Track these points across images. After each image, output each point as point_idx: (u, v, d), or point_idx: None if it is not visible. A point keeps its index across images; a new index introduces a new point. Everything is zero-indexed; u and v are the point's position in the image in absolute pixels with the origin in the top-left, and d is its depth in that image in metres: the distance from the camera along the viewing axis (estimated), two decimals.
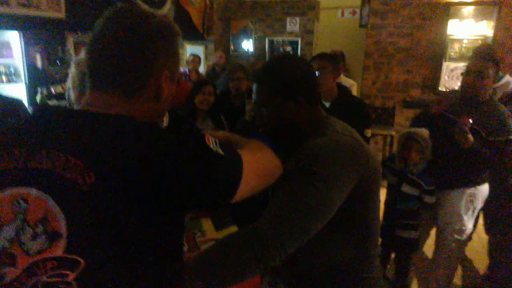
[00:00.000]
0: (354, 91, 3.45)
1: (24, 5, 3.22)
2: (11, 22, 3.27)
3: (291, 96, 1.04)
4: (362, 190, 1.01)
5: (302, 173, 0.94)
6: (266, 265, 0.86)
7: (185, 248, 1.42)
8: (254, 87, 1.10)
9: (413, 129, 2.30)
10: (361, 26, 5.44)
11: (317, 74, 2.21)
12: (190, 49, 5.76)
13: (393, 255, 2.59)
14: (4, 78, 3.90)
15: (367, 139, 2.30)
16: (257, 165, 0.84)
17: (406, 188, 2.29)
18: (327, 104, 2.39)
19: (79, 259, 0.60)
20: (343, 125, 1.10)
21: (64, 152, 0.63)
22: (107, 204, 0.61)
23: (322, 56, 2.41)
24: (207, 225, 1.62)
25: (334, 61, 2.37)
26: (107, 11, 0.73)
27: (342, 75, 3.51)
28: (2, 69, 3.92)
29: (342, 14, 7.04)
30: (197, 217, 1.65)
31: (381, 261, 2.60)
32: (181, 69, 5.01)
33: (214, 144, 0.73)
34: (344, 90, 2.45)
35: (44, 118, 0.70)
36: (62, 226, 0.61)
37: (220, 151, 0.73)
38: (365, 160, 1.01)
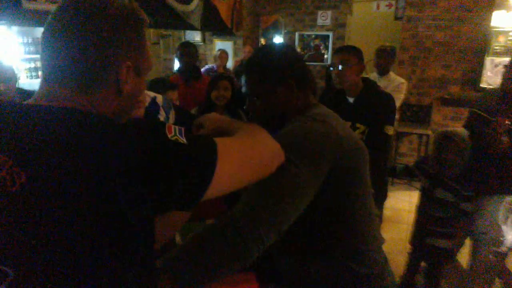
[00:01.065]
0: (403, 90, 3.23)
1: (52, 2, 3.28)
2: (43, 18, 3.33)
3: (279, 80, 1.03)
4: (339, 178, 0.96)
5: None
6: (244, 257, 0.80)
7: None
8: (243, 79, 1.07)
9: (450, 128, 2.12)
10: (396, 18, 5.16)
11: (340, 68, 2.13)
12: (218, 45, 5.72)
13: (423, 263, 2.42)
14: (40, 73, 4.04)
15: (387, 137, 2.16)
16: (245, 153, 0.75)
17: (440, 193, 2.12)
18: (351, 100, 2.25)
19: (7, 270, 0.53)
20: (321, 110, 1.06)
21: None
22: (39, 208, 0.54)
23: (345, 49, 2.30)
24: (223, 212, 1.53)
25: (359, 54, 2.24)
26: None
27: (391, 72, 3.32)
28: (38, 65, 4.07)
29: (378, 7, 6.75)
30: (201, 218, 1.57)
31: (409, 268, 2.45)
32: (209, 65, 4.98)
33: (176, 133, 0.64)
34: (370, 85, 2.30)
35: None
36: None
37: (182, 140, 0.63)
38: (339, 147, 0.96)
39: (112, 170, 0.55)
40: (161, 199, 0.62)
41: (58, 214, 0.54)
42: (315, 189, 0.92)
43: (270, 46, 1.13)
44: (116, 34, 0.65)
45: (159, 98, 1.36)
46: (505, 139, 1.76)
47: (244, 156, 0.74)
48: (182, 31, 5.84)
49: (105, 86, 0.66)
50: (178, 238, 1.42)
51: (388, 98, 2.30)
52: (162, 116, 1.36)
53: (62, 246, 0.54)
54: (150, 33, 6.12)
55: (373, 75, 3.36)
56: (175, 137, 0.63)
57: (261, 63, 1.05)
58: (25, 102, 0.65)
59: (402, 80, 3.28)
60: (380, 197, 3.51)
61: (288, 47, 1.14)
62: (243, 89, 1.08)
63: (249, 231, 0.80)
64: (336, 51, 2.30)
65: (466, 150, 2.02)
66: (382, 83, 3.25)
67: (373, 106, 2.17)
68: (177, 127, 0.66)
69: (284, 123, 1.07)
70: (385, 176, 3.45)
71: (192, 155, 0.64)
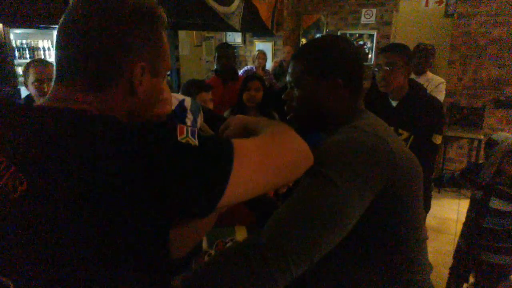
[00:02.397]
0: (443, 90, 3.03)
1: None
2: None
3: (326, 76, 0.93)
4: (390, 201, 0.82)
5: (310, 176, 0.77)
6: (265, 286, 0.70)
7: None
8: (290, 65, 0.99)
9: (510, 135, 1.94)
10: (446, 15, 4.86)
11: (386, 70, 1.98)
12: (259, 46, 5.69)
13: (472, 279, 2.24)
14: None
15: (435, 146, 2.00)
16: (266, 154, 0.67)
17: (496, 203, 1.94)
18: (394, 103, 2.11)
19: (7, 281, 0.51)
20: (372, 120, 0.93)
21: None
22: (41, 215, 0.51)
23: (392, 48, 2.10)
24: (241, 234, 1.48)
25: (407, 54, 2.07)
26: None
27: (428, 72, 3.12)
28: None
29: (427, 3, 6.40)
30: (231, 224, 1.53)
31: (451, 285, 2.27)
32: (248, 66, 4.97)
33: (188, 134, 0.58)
34: (417, 88, 2.13)
35: None
36: None
37: (194, 142, 0.58)
38: (391, 163, 0.81)
39: (117, 177, 0.52)
40: (170, 207, 0.57)
41: (60, 222, 0.51)
42: (360, 213, 0.79)
43: (325, 37, 1.01)
44: (129, 33, 0.62)
45: (188, 101, 1.34)
46: None
47: (265, 158, 0.66)
48: (224, 33, 5.88)
49: (117, 86, 0.63)
50: (205, 244, 1.39)
51: (437, 103, 2.13)
52: (189, 120, 1.33)
53: (65, 256, 0.52)
54: (194, 36, 6.25)
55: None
56: (186, 138, 0.58)
57: (310, 53, 0.97)
58: (35, 104, 0.63)
59: (442, 80, 3.06)
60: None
61: (345, 41, 1.01)
62: (287, 78, 1.00)
63: (276, 260, 0.69)
64: (381, 50, 2.12)
65: None
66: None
67: (420, 111, 2.00)
68: (190, 128, 0.61)
69: (323, 125, 0.98)
70: (429, 188, 3.25)
71: (204, 158, 0.59)
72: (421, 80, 3.07)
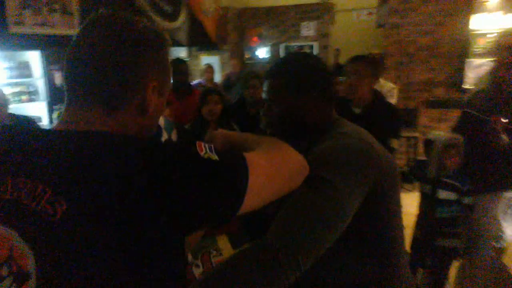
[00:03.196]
0: (395, 95, 3.28)
1: (39, 24, 3.26)
2: (30, 42, 3.32)
3: (303, 90, 0.99)
4: (377, 196, 0.92)
5: (310, 180, 0.84)
6: (280, 284, 0.76)
7: (200, 269, 1.33)
8: (266, 83, 1.04)
9: (447, 134, 2.17)
10: (378, 26, 5.29)
11: (354, 77, 2.09)
12: (205, 60, 5.75)
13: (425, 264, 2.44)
14: (24, 97, 3.97)
15: (391, 150, 2.13)
16: (272, 166, 0.73)
17: (443, 194, 2.15)
18: (357, 111, 2.23)
19: None
20: (353, 127, 1.02)
21: (31, 178, 0.55)
22: (82, 236, 0.53)
23: (359, 58, 2.23)
24: (223, 243, 1.52)
25: (373, 65, 2.22)
26: (88, 18, 0.65)
27: (381, 79, 3.34)
28: (23, 89, 4.00)
29: (358, 16, 6.91)
30: (211, 234, 1.56)
31: (411, 268, 2.45)
32: (197, 80, 5.00)
33: (207, 150, 0.64)
34: (378, 96, 2.28)
35: (9, 139, 0.63)
36: (30, 265, 0.53)
37: (214, 157, 0.63)
38: (378, 164, 0.91)
39: (150, 193, 0.55)
40: (199, 218, 0.62)
41: (101, 241, 0.53)
42: (355, 210, 0.86)
43: (296, 54, 1.07)
44: (141, 55, 0.65)
45: (161, 120, 1.35)
46: (504, 136, 1.81)
47: (272, 170, 0.73)
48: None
49: (131, 106, 0.65)
50: (190, 257, 1.40)
51: (396, 111, 2.28)
52: (164, 137, 1.35)
53: (105, 274, 0.53)
54: None
55: None
56: (207, 154, 0.63)
57: (285, 70, 1.01)
58: (52, 128, 0.64)
59: (393, 86, 3.34)
60: None
61: (315, 57, 1.08)
62: (263, 95, 1.05)
63: (287, 259, 0.75)
64: (351, 60, 2.23)
65: (461, 151, 2.07)
66: None
67: (380, 118, 2.12)
68: (207, 144, 0.66)
69: (304, 136, 1.04)
70: None
71: (225, 171, 0.64)
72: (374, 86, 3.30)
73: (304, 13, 5.80)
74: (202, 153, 0.63)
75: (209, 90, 2.63)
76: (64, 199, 0.53)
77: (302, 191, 0.84)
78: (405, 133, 4.65)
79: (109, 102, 0.63)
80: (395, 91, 3.29)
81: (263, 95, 1.06)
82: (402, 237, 1.05)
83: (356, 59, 2.21)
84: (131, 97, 0.65)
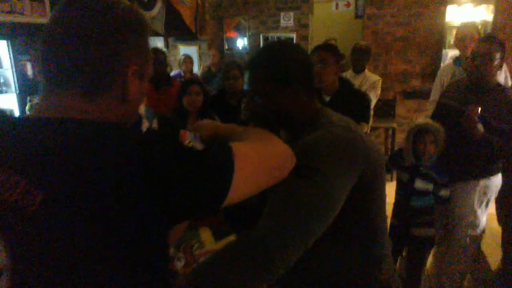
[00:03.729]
0: (379, 87, 3.30)
1: (7, 12, 3.10)
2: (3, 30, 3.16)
3: (286, 81, 0.97)
4: (364, 185, 0.92)
5: (300, 170, 0.83)
6: (271, 276, 0.76)
7: (182, 263, 1.31)
8: (247, 75, 1.02)
9: (425, 120, 2.19)
10: (357, 17, 5.32)
11: (320, 66, 2.13)
12: (183, 50, 5.64)
13: (403, 253, 2.50)
14: None
15: None
16: (259, 156, 0.72)
17: (419, 184, 2.17)
18: (327, 98, 2.28)
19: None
20: (339, 116, 1.02)
21: (4, 168, 0.52)
22: (60, 227, 0.50)
23: (324, 47, 2.27)
24: (205, 235, 1.50)
25: (337, 53, 2.26)
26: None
27: (366, 70, 3.37)
28: None
29: (337, 7, 6.91)
30: (194, 226, 1.54)
31: (393, 258, 2.50)
32: (176, 71, 4.91)
33: (191, 139, 0.62)
34: (344, 83, 2.35)
35: None
36: (5, 259, 0.50)
37: (198, 146, 0.63)
38: (365, 153, 0.92)
39: (130, 183, 0.53)
40: (183, 209, 0.60)
41: (80, 233, 0.51)
42: (345, 197, 0.87)
43: (277, 43, 1.03)
44: (122, 37, 0.62)
45: (141, 108, 1.32)
46: (480, 126, 1.85)
47: (259, 160, 0.71)
48: None
49: (111, 92, 0.63)
50: (172, 250, 1.38)
51: (363, 96, 2.36)
52: (145, 126, 1.32)
53: (82, 260, 0.51)
54: None
55: (349, 73, 3.43)
56: (191, 143, 0.62)
57: (268, 61, 0.99)
58: (27, 115, 0.60)
59: (377, 78, 3.36)
60: None
61: (297, 46, 1.06)
62: (245, 86, 1.04)
63: (278, 250, 0.75)
64: (314, 49, 2.26)
65: (441, 140, 2.10)
66: (358, 80, 3.31)
67: (349, 104, 2.19)
68: (192, 133, 0.64)
69: (289, 127, 1.04)
70: None
71: (210, 161, 0.62)
72: (359, 78, 3.33)
73: (283, 3, 5.77)
74: (186, 142, 0.62)
75: (190, 80, 2.60)
76: (39, 189, 0.50)
77: (290, 182, 0.83)
78: (383, 124, 4.73)
79: (86, 86, 0.60)
80: (380, 83, 3.32)
81: (244, 86, 1.04)
82: (385, 227, 1.07)
83: (319, 48, 2.24)
84: (110, 81, 0.62)
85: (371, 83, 3.27)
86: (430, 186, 2.15)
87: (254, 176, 0.69)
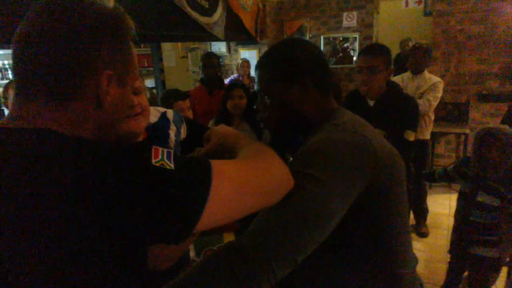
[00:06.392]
0: (441, 89, 3.04)
1: None
2: None
3: (295, 79, 0.92)
4: (376, 195, 0.82)
5: (294, 176, 0.76)
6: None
7: None
8: (256, 74, 0.98)
9: (492, 125, 1.95)
10: (426, 14, 4.96)
11: (369, 73, 1.99)
12: (243, 54, 5.74)
13: (466, 273, 2.25)
14: None
15: (408, 143, 2.03)
16: (246, 177, 0.65)
17: (483, 197, 1.95)
18: (371, 103, 2.14)
19: None
20: (351, 118, 0.93)
21: None
22: (10, 252, 0.49)
23: (372, 51, 2.08)
24: (229, 240, 1.48)
25: (387, 57, 2.08)
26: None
27: (426, 71, 3.14)
28: None
29: (407, 4, 6.53)
30: (219, 232, 1.53)
31: (451, 279, 2.27)
32: (234, 75, 5.00)
33: (163, 157, 0.57)
34: (393, 87, 2.17)
35: None
36: None
37: (169, 165, 0.57)
38: (373, 159, 0.82)
39: (89, 202, 0.51)
40: (144, 233, 0.55)
41: (35, 251, 0.50)
42: (344, 211, 0.79)
43: (286, 41, 1.01)
44: (94, 39, 0.59)
45: (170, 113, 1.34)
46: None
47: (245, 181, 0.65)
48: (208, 43, 5.92)
49: (82, 98, 0.60)
50: (192, 253, 1.39)
51: (411, 102, 2.17)
52: (173, 131, 1.33)
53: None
54: (179, 47, 6.28)
55: (407, 75, 3.21)
56: (161, 162, 0.57)
57: (274, 59, 0.96)
58: None
59: (438, 79, 3.08)
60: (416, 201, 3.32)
61: (307, 42, 1.01)
62: (255, 87, 0.99)
63: (258, 262, 0.69)
64: (362, 52, 2.12)
65: (509, 148, 1.85)
66: (416, 82, 3.10)
67: (395, 110, 2.04)
68: (165, 150, 0.60)
69: (299, 128, 0.98)
70: (420, 184, 3.27)
71: (179, 182, 0.57)
72: (417, 79, 3.10)
73: (346, 2, 5.57)
74: (154, 160, 0.56)
75: (234, 84, 2.61)
76: None
77: None
78: (454, 129, 4.33)
79: (56, 93, 0.58)
80: (441, 85, 3.04)
81: (256, 88, 1.01)
82: (408, 241, 0.94)
83: (367, 52, 2.08)
84: (81, 86, 0.59)
85: (430, 85, 3.01)
86: (495, 201, 1.91)
87: (235, 198, 0.63)
